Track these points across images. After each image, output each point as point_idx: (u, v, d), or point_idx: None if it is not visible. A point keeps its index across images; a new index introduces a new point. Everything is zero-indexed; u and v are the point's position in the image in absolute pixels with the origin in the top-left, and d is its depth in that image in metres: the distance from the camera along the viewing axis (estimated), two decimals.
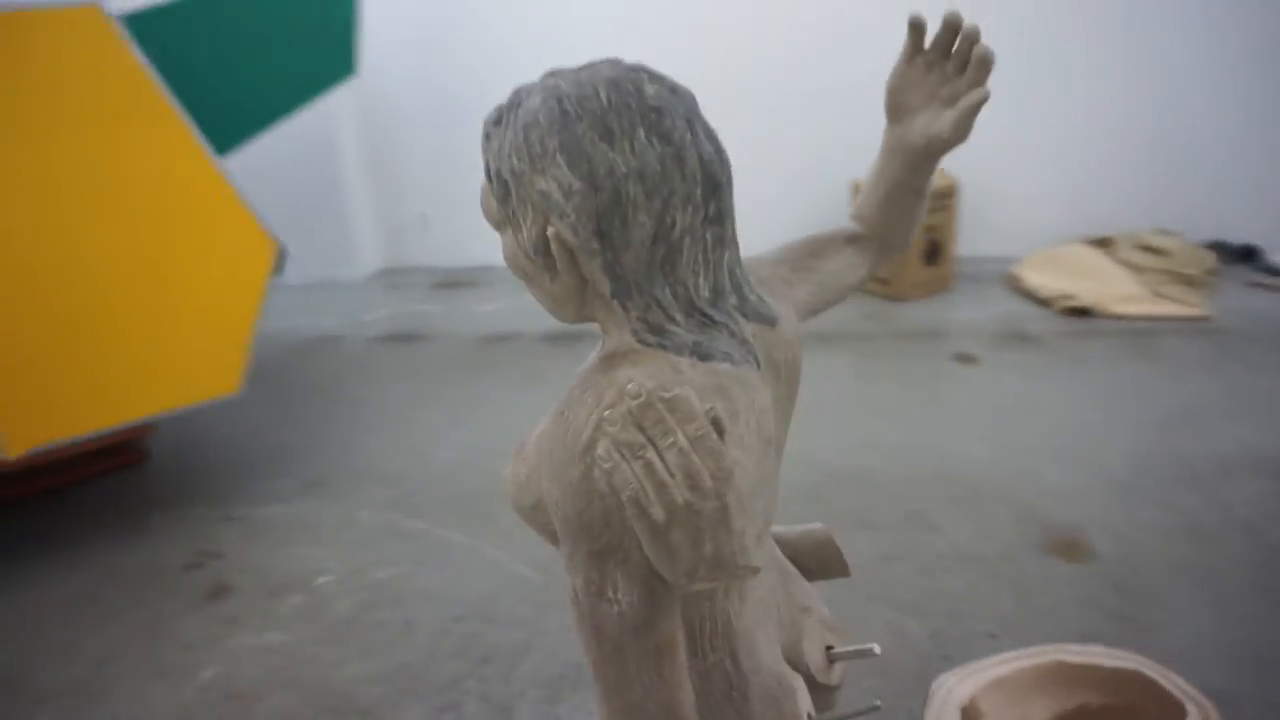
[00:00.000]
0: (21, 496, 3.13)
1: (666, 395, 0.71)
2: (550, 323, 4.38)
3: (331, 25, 3.95)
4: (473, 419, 3.75)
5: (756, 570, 0.74)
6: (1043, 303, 4.62)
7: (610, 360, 0.81)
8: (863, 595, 2.51)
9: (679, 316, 0.80)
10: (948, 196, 4.75)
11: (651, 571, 0.76)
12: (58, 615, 2.65)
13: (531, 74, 0.83)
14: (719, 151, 0.80)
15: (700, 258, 0.80)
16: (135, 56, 2.60)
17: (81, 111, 2.55)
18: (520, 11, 5.26)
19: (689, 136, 0.76)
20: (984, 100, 0.93)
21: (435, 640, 2.45)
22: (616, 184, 0.74)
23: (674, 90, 0.78)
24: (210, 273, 2.83)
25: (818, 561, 1.18)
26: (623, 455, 0.70)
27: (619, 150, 0.74)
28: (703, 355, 0.80)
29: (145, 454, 3.48)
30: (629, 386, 0.73)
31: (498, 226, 0.86)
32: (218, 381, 2.94)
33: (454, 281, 5.57)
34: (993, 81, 0.90)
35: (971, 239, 5.05)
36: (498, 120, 0.82)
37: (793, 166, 5.17)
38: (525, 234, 0.80)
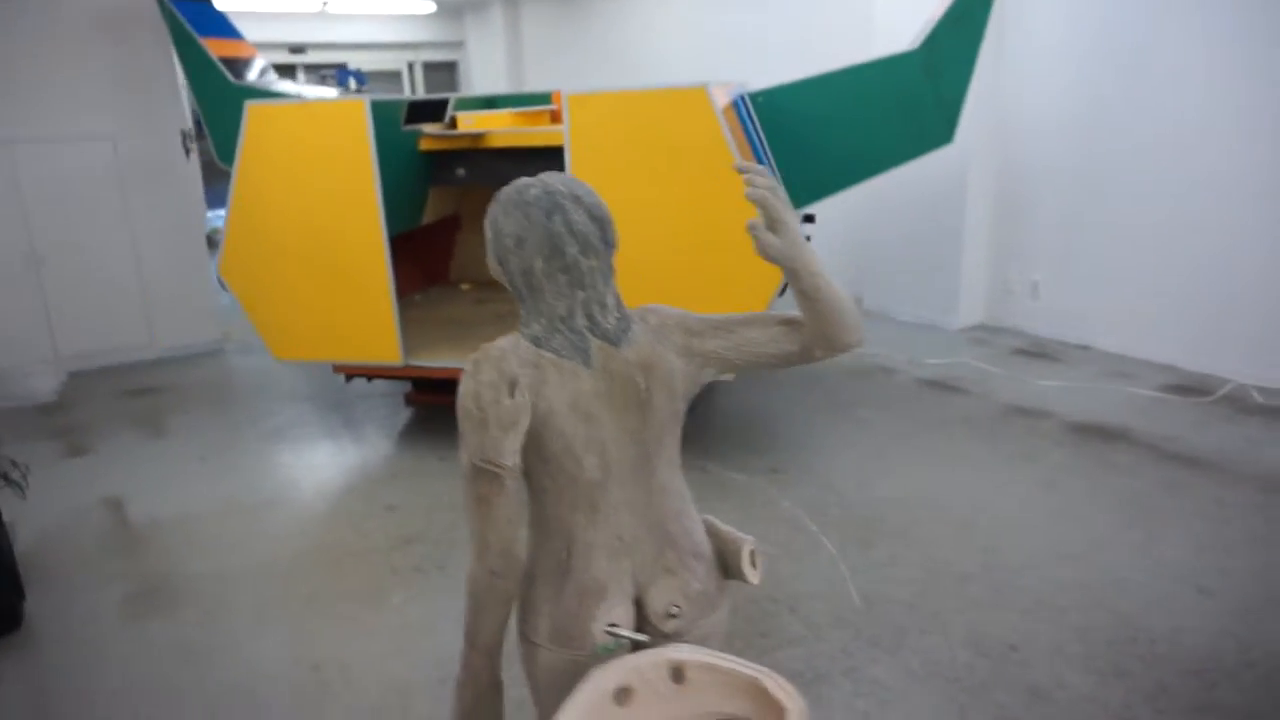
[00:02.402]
0: None
1: (494, 354, 1.31)
2: (1086, 414, 4.28)
3: (941, 101, 4.44)
4: (933, 470, 3.96)
5: (506, 467, 1.27)
6: None
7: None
8: None
9: (542, 320, 1.33)
10: None
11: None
12: None
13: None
14: (571, 232, 1.29)
15: (559, 291, 1.31)
16: (720, 125, 3.60)
17: (680, 162, 3.66)
18: (1153, 108, 4.90)
19: (544, 220, 1.29)
20: (750, 229, 1.19)
21: (753, 614, 2.98)
22: (503, 238, 1.32)
23: (549, 192, 1.30)
24: (735, 284, 3.72)
25: (731, 562, 1.49)
26: (463, 375, 1.32)
27: (506, 220, 1.31)
28: (536, 343, 1.32)
29: (691, 408, 4.64)
30: (486, 344, 1.34)
31: None
32: None
33: (1037, 351, 5.53)
34: None
35: None
36: None
37: None
38: None
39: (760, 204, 1.24)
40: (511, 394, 1.28)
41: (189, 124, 6.30)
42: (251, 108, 4.00)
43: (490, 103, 5.94)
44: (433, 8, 11.69)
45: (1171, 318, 5.07)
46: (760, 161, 4.23)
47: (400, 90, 13.15)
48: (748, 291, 3.71)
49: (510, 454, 1.28)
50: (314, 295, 4.15)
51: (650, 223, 3.75)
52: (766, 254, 1.27)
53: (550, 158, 4.63)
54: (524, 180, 1.35)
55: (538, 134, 4.74)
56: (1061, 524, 3.42)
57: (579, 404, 1.32)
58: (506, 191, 1.35)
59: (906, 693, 2.50)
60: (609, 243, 1.35)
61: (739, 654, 2.67)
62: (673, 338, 1.39)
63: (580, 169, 3.76)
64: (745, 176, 1.25)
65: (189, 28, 5.61)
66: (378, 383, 5.18)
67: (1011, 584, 3.01)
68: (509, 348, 1.33)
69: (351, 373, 4.54)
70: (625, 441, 1.37)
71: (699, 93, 3.60)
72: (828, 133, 4.55)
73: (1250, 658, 2.57)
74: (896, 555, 3.25)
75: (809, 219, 5.55)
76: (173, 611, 3.11)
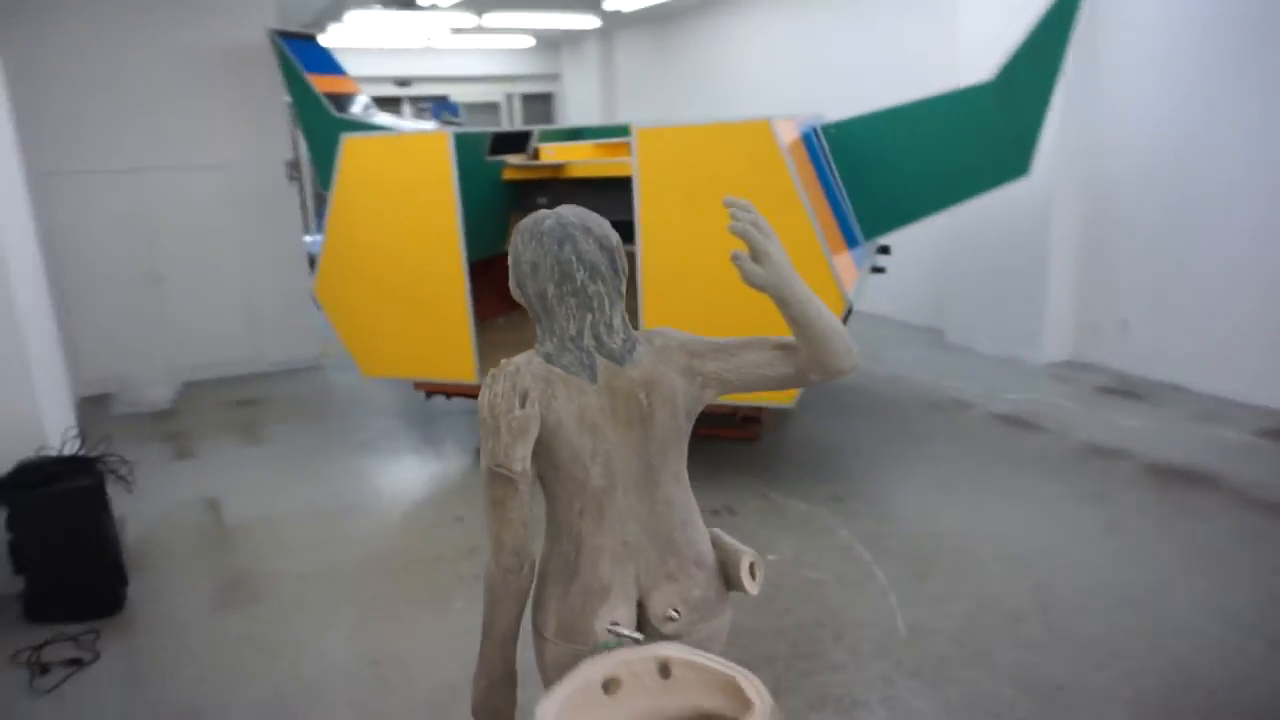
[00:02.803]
0: None
1: (509, 369, 1.44)
2: (1169, 457, 4.16)
3: (1018, 133, 4.41)
4: (997, 506, 3.90)
5: (517, 471, 1.39)
6: None
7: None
8: None
9: (554, 339, 1.45)
10: None
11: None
12: None
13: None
14: (580, 260, 1.40)
15: (569, 313, 1.43)
16: (783, 158, 3.67)
17: (744, 193, 3.71)
18: (1251, 136, 4.71)
19: (556, 248, 1.41)
20: (734, 259, 1.27)
21: (796, 639, 3.01)
22: (521, 265, 1.45)
23: (562, 224, 1.42)
24: None
25: (732, 573, 1.56)
26: (482, 388, 1.45)
27: (524, 248, 1.44)
28: (548, 360, 1.44)
29: (759, 436, 4.69)
30: (505, 359, 1.47)
31: None
32: (779, 394, 3.91)
33: (1121, 389, 5.35)
34: None
35: None
36: None
37: None
38: None
39: (743, 237, 1.34)
40: (522, 405, 1.40)
41: (293, 154, 6.76)
42: (347, 140, 4.30)
43: (574, 134, 6.17)
44: (531, 42, 12.15)
45: (1274, 358, 4.84)
46: (830, 193, 4.28)
47: (498, 120, 13.68)
48: None
49: (520, 460, 1.40)
50: (398, 316, 4.40)
51: (715, 252, 3.84)
52: (751, 283, 1.36)
53: (625, 187, 4.80)
54: (542, 212, 1.48)
55: (612, 164, 4.92)
56: (1125, 567, 3.32)
57: (585, 417, 1.44)
58: (525, 223, 1.48)
59: None
60: (617, 270, 1.47)
61: (778, 676, 2.74)
62: (675, 358, 1.49)
63: (649, 200, 3.90)
64: (730, 211, 1.34)
65: (298, 65, 6.05)
66: (459, 400, 5.42)
67: (1065, 624, 2.95)
68: (523, 363, 1.45)
69: (431, 390, 4.77)
70: (629, 454, 1.47)
71: (762, 126, 3.69)
72: (901, 164, 4.56)
73: None
74: (949, 589, 3.23)
75: (884, 250, 5.54)
76: (252, 604, 3.35)
